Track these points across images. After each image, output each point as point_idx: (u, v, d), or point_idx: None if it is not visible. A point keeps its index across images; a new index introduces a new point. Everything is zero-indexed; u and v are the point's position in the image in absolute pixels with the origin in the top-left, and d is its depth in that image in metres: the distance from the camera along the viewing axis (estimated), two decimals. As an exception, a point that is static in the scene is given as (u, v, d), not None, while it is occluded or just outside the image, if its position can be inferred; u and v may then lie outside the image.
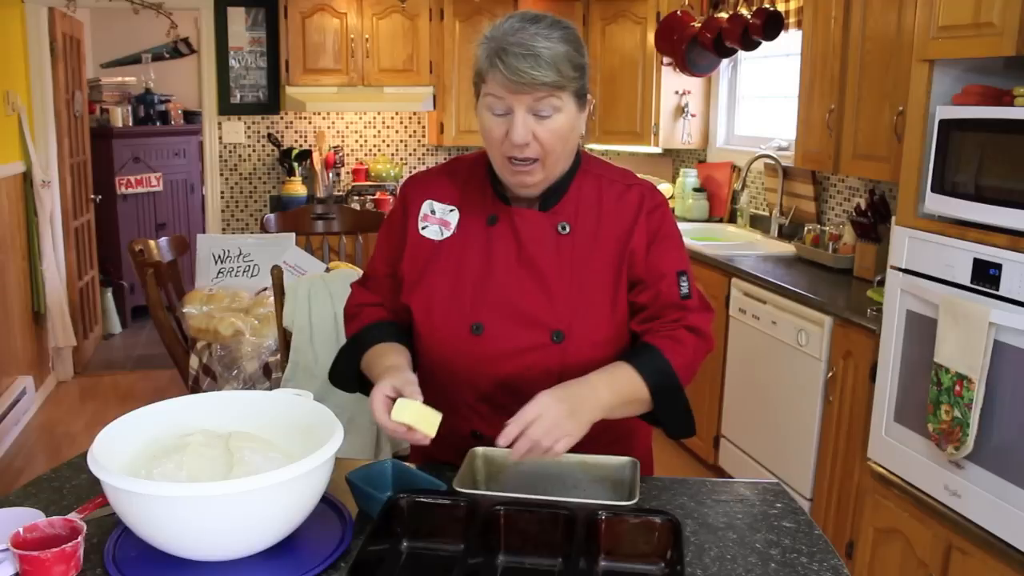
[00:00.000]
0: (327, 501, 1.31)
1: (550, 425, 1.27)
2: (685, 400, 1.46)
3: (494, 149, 1.41)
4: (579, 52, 1.37)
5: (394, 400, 1.31)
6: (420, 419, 1.28)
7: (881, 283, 2.67)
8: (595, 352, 1.45)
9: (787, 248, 3.78)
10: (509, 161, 1.39)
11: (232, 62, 5.07)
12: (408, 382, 1.34)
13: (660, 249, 1.49)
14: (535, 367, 1.44)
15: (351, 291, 1.64)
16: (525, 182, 1.41)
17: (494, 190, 1.50)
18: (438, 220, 1.52)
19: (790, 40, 3.90)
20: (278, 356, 2.81)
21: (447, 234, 1.51)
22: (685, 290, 1.49)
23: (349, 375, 1.57)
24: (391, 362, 1.44)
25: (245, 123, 5.14)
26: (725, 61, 4.51)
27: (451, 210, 1.51)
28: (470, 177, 1.53)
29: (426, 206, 1.53)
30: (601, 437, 1.39)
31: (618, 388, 1.38)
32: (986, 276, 2.10)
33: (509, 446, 1.27)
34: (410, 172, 5.40)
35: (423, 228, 1.52)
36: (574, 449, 1.37)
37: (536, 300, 1.45)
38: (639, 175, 1.57)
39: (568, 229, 1.47)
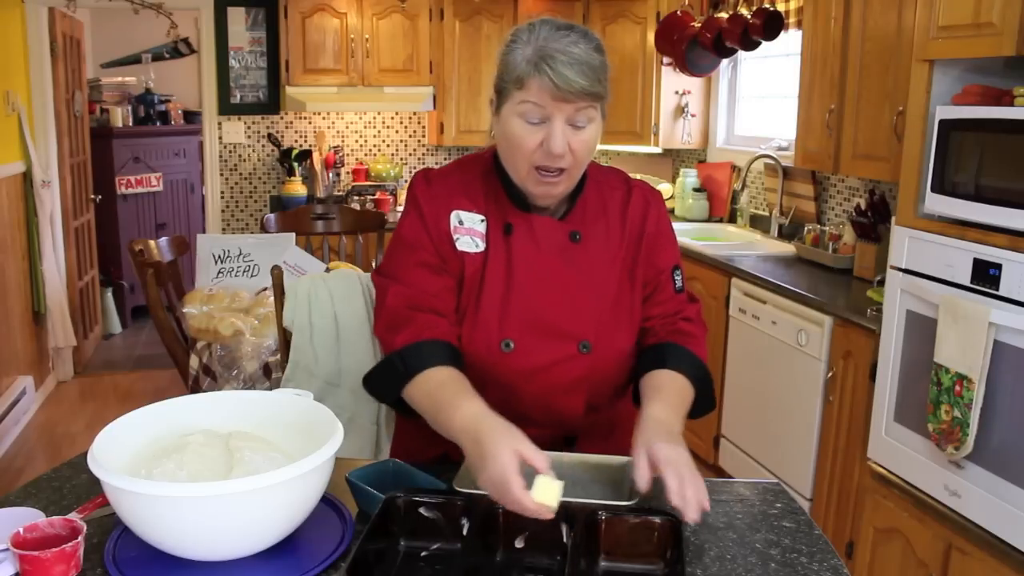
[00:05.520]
0: (327, 501, 1.31)
1: (689, 464, 1.25)
2: (712, 383, 1.54)
3: (521, 158, 1.36)
4: (607, 66, 1.35)
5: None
6: (555, 496, 1.13)
7: (881, 283, 2.67)
8: (619, 358, 1.49)
9: (787, 248, 3.78)
10: (537, 171, 1.36)
11: (232, 62, 5.07)
12: (526, 443, 1.17)
13: (659, 246, 1.52)
14: (564, 379, 1.45)
15: (385, 290, 1.45)
16: (551, 193, 1.39)
17: (508, 196, 1.46)
18: (467, 230, 1.45)
19: (790, 40, 3.90)
20: (278, 356, 2.80)
21: (482, 246, 1.45)
22: (679, 284, 1.54)
23: (388, 390, 1.41)
24: (474, 408, 1.25)
25: (245, 123, 5.14)
26: (725, 61, 4.51)
27: (481, 220, 1.45)
28: (485, 183, 1.48)
29: (454, 217, 1.45)
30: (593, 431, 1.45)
31: (682, 411, 1.42)
32: (986, 276, 2.10)
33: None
34: (410, 172, 5.40)
35: (457, 241, 1.44)
36: (574, 450, 1.37)
37: (561, 311, 1.44)
38: (638, 176, 1.58)
39: (579, 238, 1.46)
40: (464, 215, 1.45)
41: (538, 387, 1.44)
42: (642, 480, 1.23)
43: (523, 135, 1.34)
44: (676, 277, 1.53)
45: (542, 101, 1.31)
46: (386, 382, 1.39)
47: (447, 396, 1.30)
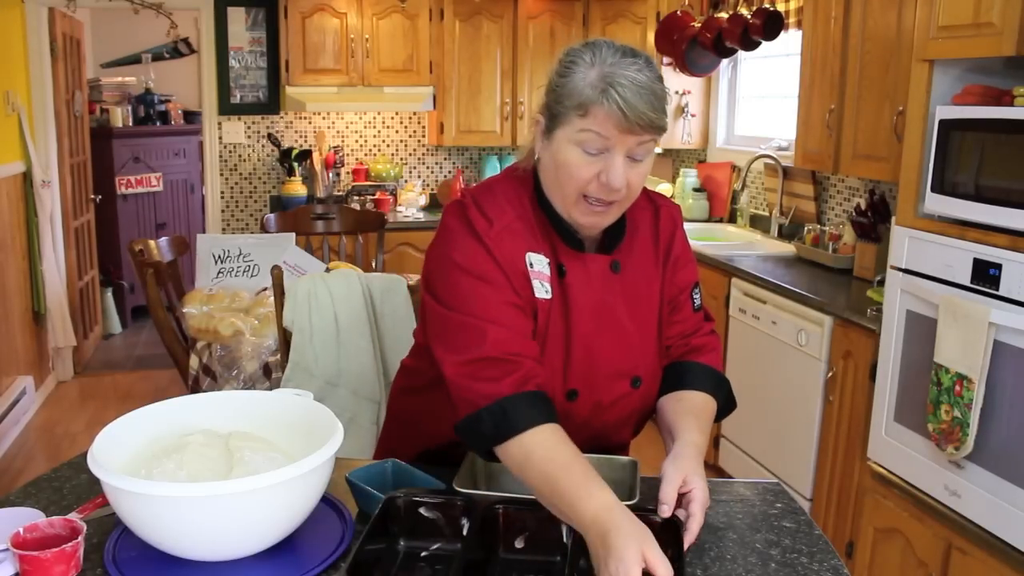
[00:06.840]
0: (327, 501, 1.31)
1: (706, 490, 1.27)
2: (730, 386, 1.55)
3: (572, 188, 1.29)
4: (668, 95, 1.29)
5: None
6: None
7: (881, 283, 2.67)
8: (657, 384, 1.48)
9: (787, 248, 3.78)
10: (586, 200, 1.29)
11: (232, 62, 5.06)
12: (653, 546, 1.08)
13: (681, 265, 1.50)
14: (619, 415, 1.45)
15: (483, 331, 1.28)
16: (600, 223, 1.34)
17: (557, 232, 1.37)
18: (537, 274, 1.35)
19: (790, 40, 3.90)
20: (278, 356, 2.80)
21: (551, 292, 1.35)
22: (698, 302, 1.53)
23: (489, 439, 1.25)
24: (604, 499, 1.14)
25: (245, 123, 5.14)
26: (725, 61, 4.51)
27: (548, 263, 1.36)
28: (536, 218, 1.38)
29: (527, 259, 1.34)
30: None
31: (708, 431, 1.41)
32: (986, 276, 2.10)
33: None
34: (410, 172, 5.40)
35: (534, 286, 1.34)
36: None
37: (616, 351, 1.40)
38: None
39: (620, 267, 1.41)
40: (534, 257, 1.35)
41: (594, 427, 1.43)
42: (668, 508, 1.22)
43: (579, 165, 1.27)
44: (695, 296, 1.51)
45: (606, 132, 1.23)
46: (489, 431, 1.24)
47: (575, 478, 1.17)
